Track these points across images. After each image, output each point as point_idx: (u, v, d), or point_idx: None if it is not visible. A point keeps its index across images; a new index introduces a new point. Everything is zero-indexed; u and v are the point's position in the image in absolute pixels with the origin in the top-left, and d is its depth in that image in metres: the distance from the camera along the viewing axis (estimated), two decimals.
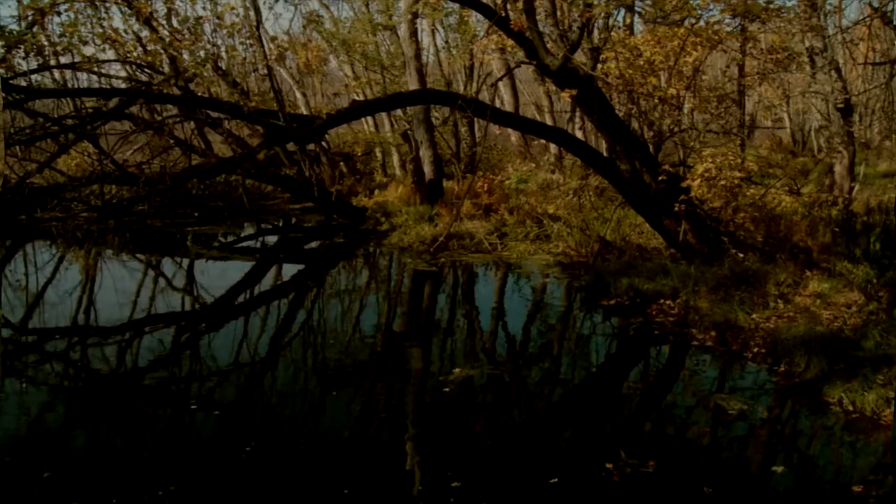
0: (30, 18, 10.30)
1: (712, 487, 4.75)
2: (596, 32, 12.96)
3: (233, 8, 13.81)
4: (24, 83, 10.46)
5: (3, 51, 10.22)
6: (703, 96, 12.92)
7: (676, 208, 9.90)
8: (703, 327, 8.03)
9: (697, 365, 7.43)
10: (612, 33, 12.11)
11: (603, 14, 12.58)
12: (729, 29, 12.24)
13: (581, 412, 6.50)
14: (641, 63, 11.01)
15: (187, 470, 5.09)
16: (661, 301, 9.04)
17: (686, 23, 10.46)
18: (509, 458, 5.32)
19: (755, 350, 7.34)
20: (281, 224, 19.21)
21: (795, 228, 10.61)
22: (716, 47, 12.11)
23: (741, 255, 9.72)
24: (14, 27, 10.62)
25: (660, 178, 10.09)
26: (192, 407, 6.61)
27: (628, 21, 14.77)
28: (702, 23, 10.60)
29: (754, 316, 7.98)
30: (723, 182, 10.03)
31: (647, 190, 10.29)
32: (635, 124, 12.13)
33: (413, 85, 16.53)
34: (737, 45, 14.51)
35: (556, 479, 4.83)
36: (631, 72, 11.10)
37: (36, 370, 7.91)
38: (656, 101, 11.43)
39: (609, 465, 4.98)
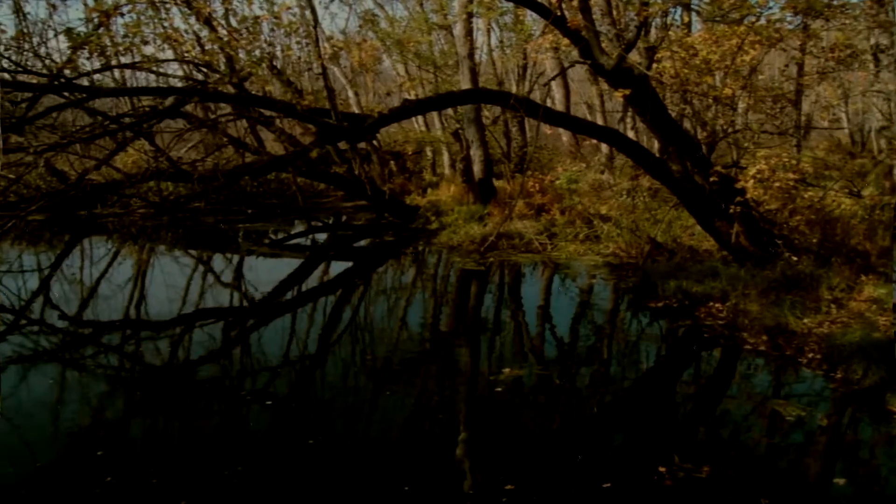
0: (95, 20, 10.50)
1: (769, 497, 4.63)
2: (653, 31, 12.81)
3: (289, 7, 13.92)
4: (86, 83, 10.65)
5: (69, 52, 10.45)
6: (758, 96, 12.67)
7: (731, 210, 9.73)
8: (754, 331, 7.87)
9: (750, 369, 7.30)
10: (670, 32, 11.92)
11: (660, 13, 12.41)
12: (790, 27, 11.97)
13: (632, 415, 6.42)
14: (697, 62, 10.84)
15: (240, 463, 5.13)
16: (711, 304, 8.90)
17: (745, 21, 10.26)
18: (561, 461, 5.26)
19: (810, 356, 7.18)
20: (331, 222, 19.35)
21: (853, 232, 10.36)
22: (774, 46, 11.85)
23: (794, 259, 9.52)
24: (81, 29, 10.86)
25: (712, 179, 9.93)
26: (244, 402, 6.68)
27: (686, 19, 14.55)
28: (762, 21, 10.39)
29: (806, 320, 7.81)
30: (777, 184, 9.83)
31: (701, 191, 10.13)
32: (688, 124, 11.96)
33: (465, 84, 16.52)
34: (797, 43, 14.19)
35: (608, 484, 4.78)
36: (686, 71, 10.93)
37: (92, 362, 8.08)
38: (710, 100, 11.25)
39: (662, 469, 4.91)
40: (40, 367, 7.81)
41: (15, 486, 4.91)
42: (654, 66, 10.65)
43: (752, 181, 9.76)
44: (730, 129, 11.44)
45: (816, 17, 10.64)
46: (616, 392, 7.04)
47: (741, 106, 12.31)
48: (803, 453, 5.47)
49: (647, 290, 9.92)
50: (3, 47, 11.56)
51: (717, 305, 8.82)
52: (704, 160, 10.31)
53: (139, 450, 5.55)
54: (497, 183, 17.67)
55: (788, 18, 11.14)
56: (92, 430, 6.05)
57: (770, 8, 10.25)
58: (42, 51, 13.31)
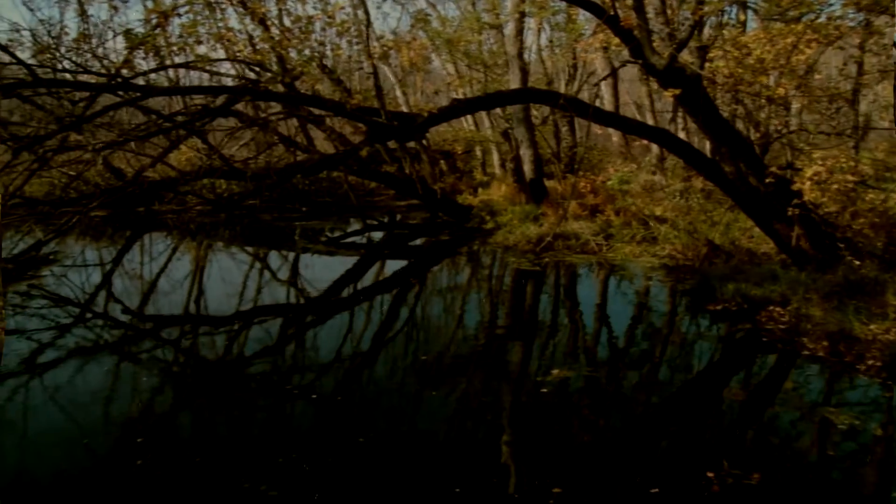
0: (153, 21, 10.74)
1: None
2: (706, 30, 12.62)
3: (342, 7, 14.07)
4: (141, 82, 10.89)
5: (126, 52, 10.72)
6: (814, 96, 12.40)
7: (790, 212, 9.55)
8: (815, 336, 7.69)
9: (807, 375, 7.15)
10: (724, 31, 11.74)
11: (717, 12, 12.22)
12: (852, 24, 11.67)
13: (682, 418, 6.34)
14: (751, 62, 10.64)
15: (290, 457, 5.19)
16: (771, 308, 8.72)
17: (804, 19, 10.05)
18: (609, 464, 5.24)
19: (870, 363, 7.00)
20: (386, 220, 19.44)
21: None
22: (833, 44, 11.59)
23: (857, 263, 9.29)
24: (139, 30, 11.13)
25: (767, 180, 9.76)
26: (296, 397, 6.75)
27: (742, 18, 14.32)
28: (822, 18, 10.16)
29: (872, 327, 7.60)
30: (835, 186, 9.60)
31: (756, 193, 9.97)
32: (740, 125, 11.76)
33: (515, 83, 16.48)
34: (856, 40, 13.85)
35: (656, 489, 4.73)
36: (740, 71, 10.75)
37: (151, 355, 8.26)
38: (764, 101, 11.05)
39: (710, 475, 4.85)
40: (102, 358, 8.00)
41: (71, 473, 5.05)
42: (707, 65, 10.50)
43: (808, 183, 9.56)
44: (784, 130, 11.22)
45: (881, 12, 10.37)
46: (666, 394, 6.96)
47: (795, 106, 12.06)
48: (857, 463, 5.35)
49: (705, 292, 9.79)
50: (65, 49, 11.88)
51: (777, 309, 8.64)
52: (758, 161, 10.13)
53: (190, 442, 5.66)
54: (548, 183, 17.58)
55: (850, 15, 10.88)
56: (146, 421, 6.19)
57: (831, 5, 10.03)
58: (100, 51, 13.65)
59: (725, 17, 13.93)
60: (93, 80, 11.03)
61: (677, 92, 9.26)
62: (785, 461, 5.31)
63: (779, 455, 5.43)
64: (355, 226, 18.34)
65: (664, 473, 5.03)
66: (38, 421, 6.10)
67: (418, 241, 16.62)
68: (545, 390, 6.63)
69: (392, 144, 17.52)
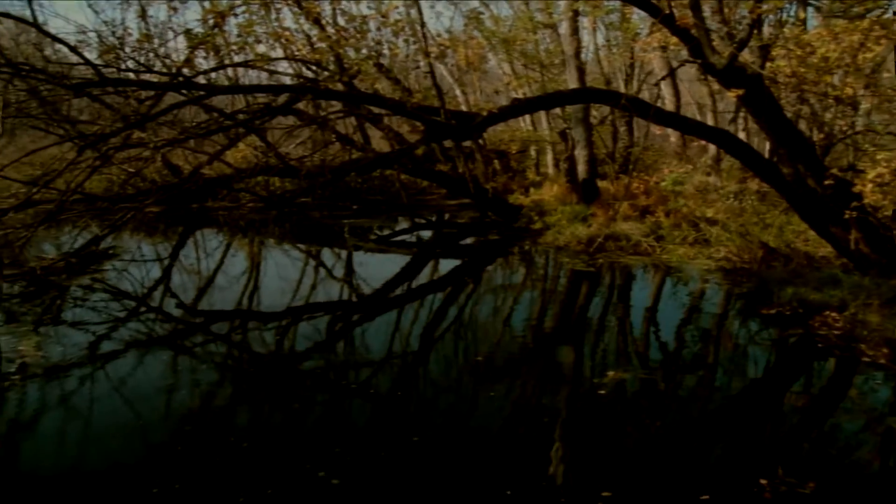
0: (210, 21, 10.94)
1: None
2: (766, 28, 12.39)
3: (396, 7, 14.14)
4: (203, 81, 11.09)
5: (187, 52, 10.93)
6: (883, 96, 12.06)
7: (846, 215, 9.31)
8: (874, 343, 7.51)
9: (866, 383, 6.96)
10: (785, 29, 11.51)
11: (776, 10, 11.97)
12: None
13: (736, 423, 6.23)
14: (815, 60, 10.40)
15: (343, 453, 5.24)
16: (826, 313, 8.53)
17: (869, 15, 9.78)
18: (661, 469, 5.17)
19: None
20: (435, 219, 19.48)
21: None
22: None
23: None
24: (199, 30, 11.34)
25: (826, 182, 9.53)
26: (351, 393, 6.82)
27: (802, 16, 14.03)
28: (889, 14, 9.88)
29: None
30: None
31: (813, 195, 9.74)
32: (803, 126, 11.50)
33: (572, 83, 16.38)
34: None
35: (706, 496, 4.65)
36: (803, 70, 10.51)
37: (205, 349, 8.40)
38: (830, 100, 10.79)
39: (763, 482, 4.75)
40: (159, 351, 8.17)
41: (129, 462, 5.17)
42: (768, 64, 10.30)
43: (870, 185, 9.32)
44: (849, 131, 10.95)
45: None
46: (720, 399, 6.85)
47: (864, 106, 11.75)
48: None
49: (762, 296, 9.62)
50: (129, 49, 12.15)
51: (833, 315, 8.44)
52: (818, 163, 9.91)
53: (246, 435, 5.72)
54: (601, 183, 17.44)
55: None
56: (203, 413, 6.32)
57: None
58: (161, 51, 13.94)
59: (784, 14, 13.65)
60: (155, 80, 11.27)
61: (740, 92, 9.10)
62: (843, 471, 5.18)
63: (836, 464, 5.29)
64: (403, 224, 18.40)
65: (716, 479, 4.95)
66: (99, 411, 6.26)
67: (468, 241, 16.63)
68: (601, 392, 6.59)
69: (447, 143, 17.57)
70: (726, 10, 9.66)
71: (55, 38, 12.66)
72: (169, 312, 10.05)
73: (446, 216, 19.67)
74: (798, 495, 4.63)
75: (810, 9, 12.97)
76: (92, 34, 22.56)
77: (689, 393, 6.98)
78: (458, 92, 22.95)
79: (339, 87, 13.48)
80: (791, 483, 4.74)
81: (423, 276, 12.66)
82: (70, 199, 11.72)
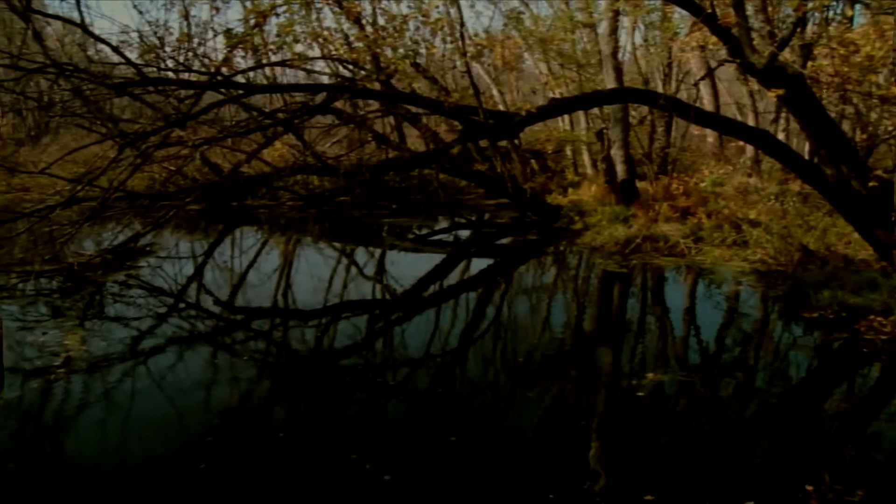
0: (252, 21, 11.02)
1: None
2: (809, 27, 12.15)
3: (436, 6, 14.16)
4: (241, 80, 11.20)
5: (225, 51, 11.04)
6: None
7: (893, 218, 9.15)
8: None
9: None
10: (830, 28, 11.29)
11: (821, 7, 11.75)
12: None
13: (778, 428, 6.15)
14: (859, 59, 10.20)
15: (377, 453, 5.27)
16: (871, 317, 8.38)
17: None
18: (703, 473, 5.12)
19: None
20: (474, 219, 19.48)
21: None
22: None
23: None
24: (239, 29, 11.44)
25: (870, 184, 9.37)
26: (388, 392, 6.86)
27: (849, 13, 13.76)
28: None
29: None
30: None
31: (858, 197, 9.58)
32: (845, 126, 11.30)
33: (610, 83, 16.29)
34: None
35: (751, 502, 4.58)
36: (846, 69, 10.32)
37: (242, 346, 8.50)
38: (875, 100, 10.59)
39: (809, 488, 4.68)
40: (195, 347, 8.29)
41: (169, 455, 5.25)
42: (810, 63, 10.13)
43: None
44: (894, 132, 10.74)
45: None
46: (762, 403, 6.77)
47: None
48: None
49: (798, 299, 9.48)
50: (169, 48, 12.31)
51: (879, 319, 8.28)
52: (861, 164, 9.74)
53: (284, 431, 5.78)
54: (640, 184, 17.32)
55: None
56: (240, 409, 6.38)
57: None
58: (201, 50, 14.10)
59: (831, 12, 13.41)
60: (195, 79, 11.40)
61: (781, 92, 8.97)
62: (892, 479, 5.07)
63: (887, 471, 5.17)
64: (443, 223, 18.42)
65: (759, 484, 4.89)
66: (142, 404, 6.35)
67: (505, 241, 16.60)
68: (640, 394, 6.55)
69: (483, 143, 17.55)
70: (769, 9, 9.52)
71: (99, 39, 12.91)
72: (208, 309, 10.17)
73: (486, 216, 19.66)
74: (845, 503, 4.55)
75: (857, 6, 12.72)
76: (134, 34, 22.90)
77: (731, 396, 6.90)
78: (494, 91, 22.91)
79: (377, 86, 13.53)
80: (838, 490, 4.65)
81: (457, 277, 12.66)
82: (113, 196, 11.89)
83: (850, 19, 11.94)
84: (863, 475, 5.01)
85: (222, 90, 10.80)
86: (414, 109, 17.03)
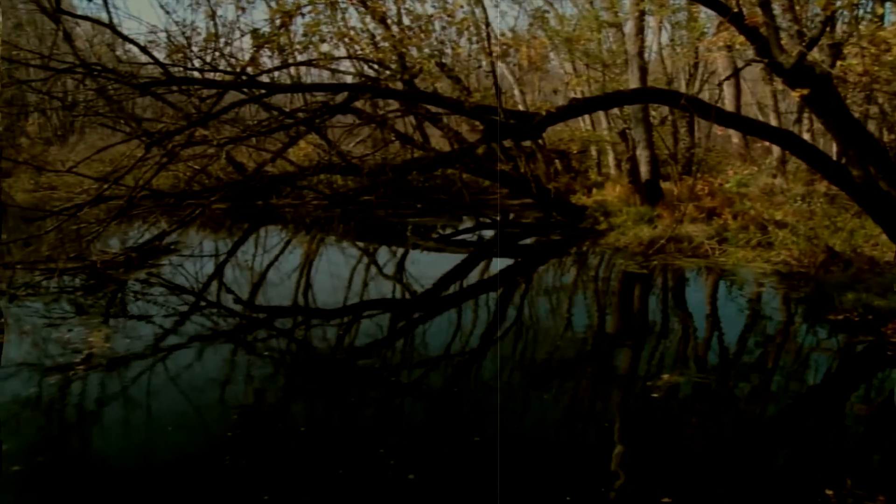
0: (278, 21, 11.09)
1: None
2: (838, 26, 12.03)
3: (461, 6, 14.14)
4: (266, 79, 11.26)
5: (252, 51, 11.13)
6: None
7: None
8: None
9: None
10: (861, 26, 11.14)
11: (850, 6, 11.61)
12: None
13: (798, 431, 6.06)
14: (890, 59, 10.04)
15: (402, 450, 5.27)
16: None
17: None
18: (721, 476, 5.07)
19: None
20: (498, 219, 19.44)
21: None
22: None
23: None
24: (265, 29, 11.52)
25: None
26: (407, 391, 6.88)
27: (880, 11, 13.57)
28: None
29: None
30: None
31: (887, 198, 9.45)
32: (871, 126, 11.15)
33: (634, 83, 16.21)
34: None
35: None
36: (876, 69, 10.17)
37: (262, 344, 8.55)
38: None
39: (829, 493, 4.61)
40: (216, 345, 8.33)
41: (189, 451, 5.28)
42: (839, 63, 10.01)
43: None
44: None
45: None
46: (781, 405, 6.67)
47: None
48: None
49: (821, 301, 9.37)
50: (196, 48, 12.41)
51: None
52: (890, 165, 9.61)
53: (303, 428, 5.82)
54: (664, 185, 17.22)
55: None
56: (260, 407, 6.43)
57: None
58: (227, 50, 14.20)
59: (861, 11, 13.23)
60: (220, 78, 11.48)
61: (804, 92, 8.87)
62: None
63: None
64: (467, 223, 18.39)
65: (779, 488, 4.84)
66: (164, 400, 6.41)
67: (528, 241, 16.55)
68: (655, 395, 6.50)
69: (507, 143, 17.52)
70: (797, 8, 9.41)
71: (127, 39, 13.01)
72: (229, 307, 10.23)
73: (511, 216, 19.61)
74: None
75: (888, 4, 12.53)
76: (162, 34, 23.12)
77: (749, 398, 6.81)
78: (516, 91, 22.86)
79: (399, 85, 13.55)
80: (860, 495, 4.58)
81: (477, 276, 12.62)
82: (139, 195, 12.00)
83: (881, 17, 11.78)
84: (885, 480, 4.93)
85: (244, 90, 10.86)
86: (435, 109, 17.03)
